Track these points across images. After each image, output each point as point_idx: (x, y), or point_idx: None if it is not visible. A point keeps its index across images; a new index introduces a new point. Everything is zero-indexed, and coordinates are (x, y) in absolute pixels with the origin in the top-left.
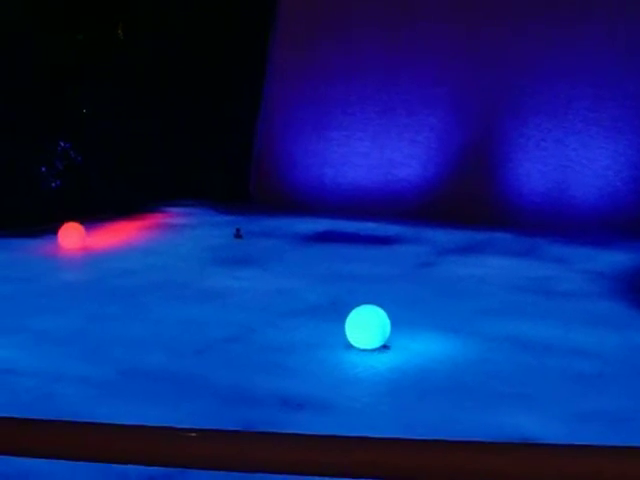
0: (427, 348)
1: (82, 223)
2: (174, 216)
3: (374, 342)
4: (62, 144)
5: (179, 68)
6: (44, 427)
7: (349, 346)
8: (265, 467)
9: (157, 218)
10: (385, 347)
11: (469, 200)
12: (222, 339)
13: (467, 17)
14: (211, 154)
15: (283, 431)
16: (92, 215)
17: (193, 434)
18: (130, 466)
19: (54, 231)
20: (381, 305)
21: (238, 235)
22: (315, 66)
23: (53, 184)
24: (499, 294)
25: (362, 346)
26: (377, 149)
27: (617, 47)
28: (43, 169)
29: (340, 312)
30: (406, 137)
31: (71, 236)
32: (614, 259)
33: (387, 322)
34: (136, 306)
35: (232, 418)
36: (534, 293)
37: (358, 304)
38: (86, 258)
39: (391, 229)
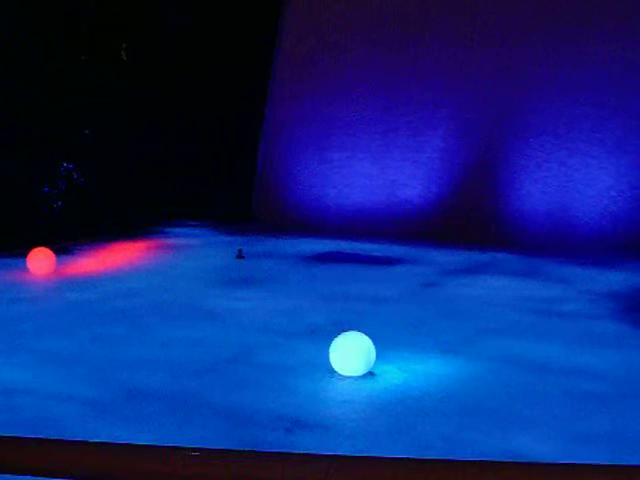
0: (429, 368)
1: (84, 244)
2: (177, 237)
3: (358, 370)
4: (65, 165)
5: (182, 90)
6: (47, 446)
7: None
8: None
9: (160, 239)
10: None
11: (471, 221)
12: (224, 359)
13: (469, 39)
14: (214, 175)
15: (284, 451)
16: (94, 236)
17: (196, 453)
18: None
19: (57, 252)
20: (382, 325)
21: (240, 256)
22: (317, 87)
23: (55, 205)
24: (501, 314)
25: (346, 374)
26: (379, 170)
27: (619, 68)
28: (46, 189)
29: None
30: (408, 158)
31: (40, 261)
32: (616, 279)
33: (372, 350)
34: (138, 327)
35: (234, 438)
36: (536, 313)
37: (360, 324)
38: (89, 279)
39: (393, 250)
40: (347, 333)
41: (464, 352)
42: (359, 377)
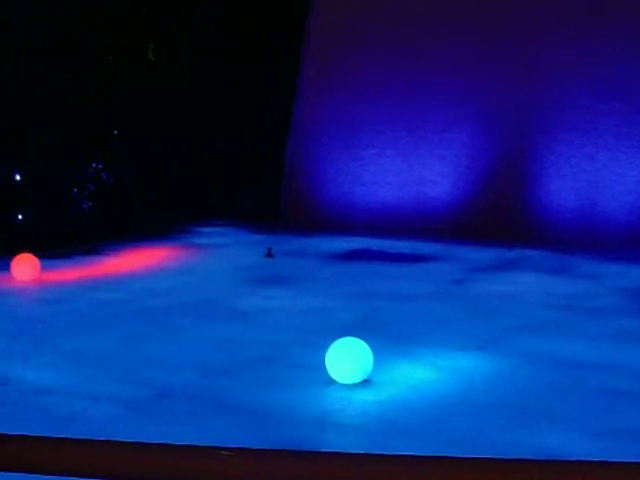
0: (458, 365)
1: (113, 244)
2: (205, 236)
3: (355, 377)
4: (94, 165)
5: (209, 89)
6: (78, 446)
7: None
8: None
9: (188, 238)
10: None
11: (500, 217)
12: (254, 358)
13: (495, 35)
14: (243, 174)
15: (316, 449)
16: (123, 236)
17: (229, 453)
18: None
19: (86, 252)
20: (411, 323)
21: (269, 254)
22: (345, 85)
23: (85, 205)
24: (531, 311)
25: (343, 381)
26: (407, 167)
27: None
28: (75, 191)
29: (372, 330)
30: (436, 155)
31: (24, 267)
32: None
33: (369, 356)
34: (168, 326)
35: (265, 437)
36: (565, 310)
37: (389, 322)
38: (118, 279)
39: (422, 247)
40: (345, 339)
41: (493, 349)
42: (386, 374)
